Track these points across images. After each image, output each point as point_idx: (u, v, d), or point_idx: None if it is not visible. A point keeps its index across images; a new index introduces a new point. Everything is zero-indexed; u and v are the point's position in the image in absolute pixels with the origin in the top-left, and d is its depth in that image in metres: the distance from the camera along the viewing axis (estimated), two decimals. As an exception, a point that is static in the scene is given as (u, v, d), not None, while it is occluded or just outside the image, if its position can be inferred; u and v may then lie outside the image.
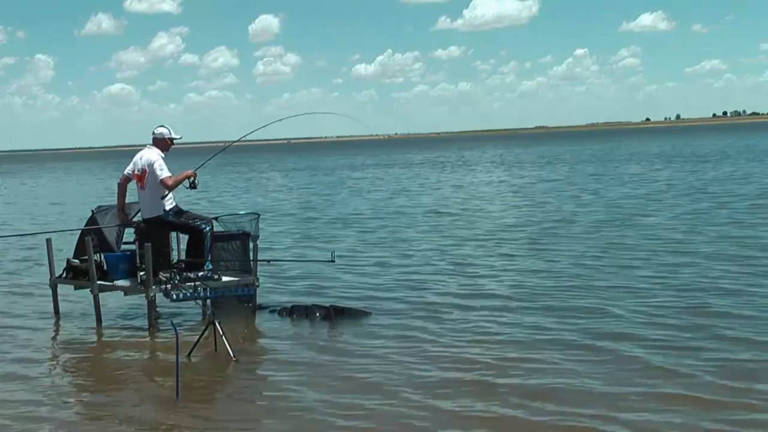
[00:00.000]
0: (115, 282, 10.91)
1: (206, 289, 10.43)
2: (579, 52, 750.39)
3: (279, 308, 11.36)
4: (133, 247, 11.24)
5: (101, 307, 11.02)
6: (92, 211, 11.80)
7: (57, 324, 11.31)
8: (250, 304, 11.23)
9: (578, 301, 11.08)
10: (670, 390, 7.39)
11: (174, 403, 7.69)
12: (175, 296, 10.01)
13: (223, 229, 11.32)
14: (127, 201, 11.25)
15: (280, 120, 13.30)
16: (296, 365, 8.80)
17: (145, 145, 11.04)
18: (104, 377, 8.99)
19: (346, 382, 8.05)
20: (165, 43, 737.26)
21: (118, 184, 11.20)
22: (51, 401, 8.00)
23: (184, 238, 11.31)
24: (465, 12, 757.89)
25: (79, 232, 11.65)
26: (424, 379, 7.97)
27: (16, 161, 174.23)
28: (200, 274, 10.55)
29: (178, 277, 10.45)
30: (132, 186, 11.16)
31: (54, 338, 10.84)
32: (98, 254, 11.02)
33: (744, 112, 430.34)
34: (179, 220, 10.85)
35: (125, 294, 11.16)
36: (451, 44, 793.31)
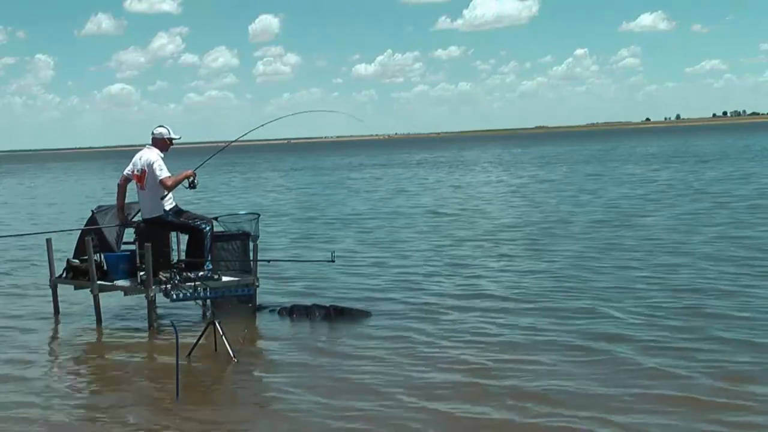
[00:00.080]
0: (115, 282, 10.93)
1: (206, 289, 10.46)
2: (579, 52, 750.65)
3: (279, 308, 11.38)
4: (133, 247, 11.26)
5: (101, 307, 11.05)
6: (92, 211, 11.82)
7: (57, 324, 11.33)
8: (250, 304, 11.25)
9: (575, 302, 11.09)
10: (666, 392, 7.39)
11: (174, 403, 7.71)
12: (175, 296, 10.03)
13: (223, 229, 11.34)
14: (126, 201, 11.28)
15: (279, 118, 13.34)
16: (296, 366, 8.83)
17: (144, 145, 11.06)
18: (104, 377, 9.01)
19: (346, 384, 8.06)
20: (165, 43, 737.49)
21: (118, 184, 11.23)
22: (50, 401, 8.01)
23: (184, 238, 11.33)
24: (465, 12, 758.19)
25: (79, 232, 11.68)
26: (422, 381, 7.96)
27: (16, 161, 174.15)
28: (200, 274, 10.57)
29: (178, 277, 10.47)
30: (132, 186, 11.18)
31: (54, 338, 10.86)
32: (98, 254, 11.05)
33: (744, 112, 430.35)
34: (179, 220, 10.87)
35: (125, 294, 11.18)
36: (451, 44, 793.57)
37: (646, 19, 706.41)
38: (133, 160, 11.02)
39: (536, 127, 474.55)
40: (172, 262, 11.15)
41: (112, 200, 11.50)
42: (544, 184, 34.76)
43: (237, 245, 11.27)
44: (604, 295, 11.40)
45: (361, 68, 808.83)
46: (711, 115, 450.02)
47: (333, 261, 10.72)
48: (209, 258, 10.80)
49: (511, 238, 17.79)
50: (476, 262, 14.91)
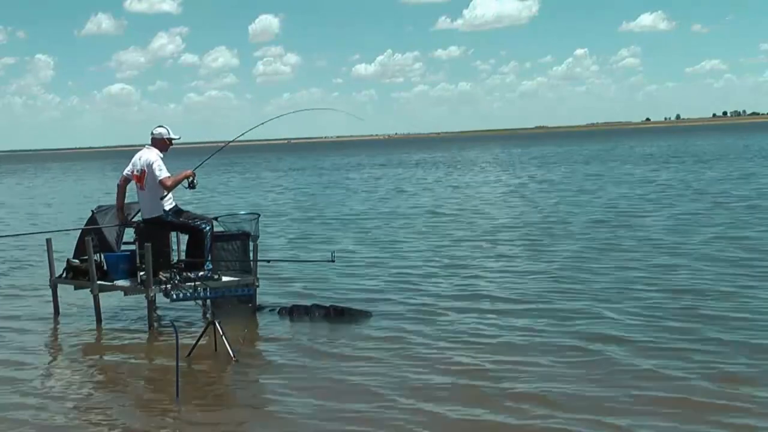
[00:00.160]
0: (115, 282, 10.94)
1: (206, 289, 10.46)
2: (579, 52, 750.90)
3: (279, 308, 11.39)
4: (133, 247, 11.26)
5: (101, 307, 11.05)
6: (92, 211, 11.83)
7: (57, 324, 11.34)
8: (250, 304, 11.26)
9: (573, 303, 11.07)
10: (663, 393, 7.37)
11: (174, 402, 7.72)
12: (175, 296, 10.03)
13: (223, 230, 11.34)
14: (126, 201, 11.28)
15: (277, 117, 13.31)
16: (296, 366, 8.83)
17: (144, 145, 11.06)
18: (104, 377, 9.02)
19: (344, 385, 8.05)
20: (165, 43, 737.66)
21: (118, 185, 11.23)
22: (50, 401, 8.02)
23: (184, 238, 11.33)
24: (465, 12, 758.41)
25: (79, 232, 11.68)
26: (419, 383, 7.94)
27: (16, 161, 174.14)
28: (200, 274, 10.57)
29: (178, 277, 10.47)
30: (131, 186, 11.19)
31: (54, 338, 10.87)
32: (98, 254, 11.05)
33: (744, 112, 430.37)
34: (179, 220, 10.88)
35: (125, 294, 11.19)
36: (451, 44, 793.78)
37: (646, 19, 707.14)
38: (133, 160, 11.03)
39: (536, 127, 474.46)
40: (172, 262, 11.15)
41: (110, 200, 11.51)
42: (543, 184, 34.76)
43: (237, 245, 11.28)
44: (601, 296, 11.39)
45: (361, 68, 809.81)
46: (711, 115, 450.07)
47: (333, 261, 10.73)
48: (209, 258, 10.80)
49: (510, 239, 17.79)
50: (475, 262, 14.91)
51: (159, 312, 10.94)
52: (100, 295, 11.00)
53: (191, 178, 10.83)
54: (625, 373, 7.98)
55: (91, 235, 11.10)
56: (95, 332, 10.82)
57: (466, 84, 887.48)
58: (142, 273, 10.61)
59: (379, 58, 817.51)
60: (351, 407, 7.40)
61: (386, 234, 19.56)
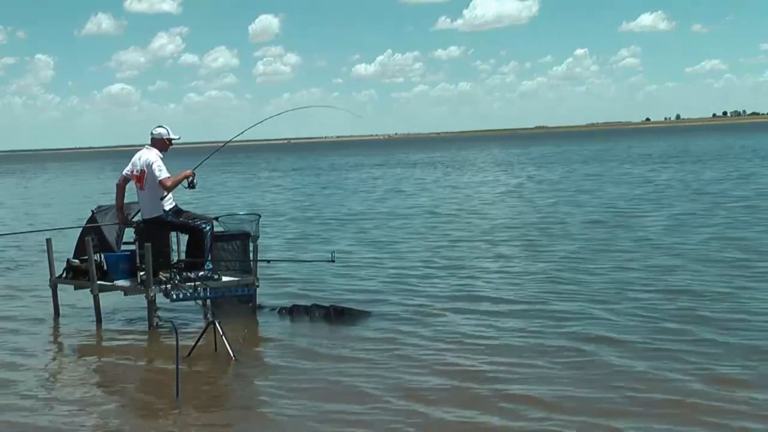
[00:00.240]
0: (115, 282, 10.94)
1: (206, 289, 10.47)
2: (579, 52, 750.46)
3: (279, 308, 11.40)
4: (133, 247, 11.26)
5: (101, 307, 11.05)
6: (92, 211, 11.83)
7: (57, 324, 11.34)
8: (250, 304, 11.26)
9: (570, 304, 11.03)
10: (659, 395, 7.35)
11: (174, 402, 7.72)
12: (175, 296, 10.03)
13: (223, 230, 11.34)
14: (126, 201, 11.28)
15: (277, 115, 13.38)
16: (296, 366, 8.83)
17: (144, 145, 11.06)
18: (104, 377, 9.02)
19: (342, 386, 8.03)
20: (165, 43, 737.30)
21: (117, 184, 11.23)
22: (49, 401, 8.03)
23: (184, 238, 11.33)
24: (465, 12, 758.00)
25: (79, 232, 11.68)
26: (417, 385, 7.90)
27: (16, 161, 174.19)
28: (200, 274, 10.57)
29: (178, 277, 10.48)
30: (131, 186, 11.18)
31: (54, 338, 10.87)
32: (98, 254, 11.05)
33: (744, 112, 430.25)
34: (179, 220, 10.87)
35: (125, 294, 11.19)
36: (451, 44, 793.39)
37: (646, 19, 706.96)
38: (133, 160, 11.02)
39: (536, 127, 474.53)
40: (172, 262, 11.15)
41: (107, 200, 11.49)
42: (542, 185, 34.78)
43: (237, 245, 11.28)
44: (598, 297, 11.36)
45: (361, 68, 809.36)
46: (711, 115, 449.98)
47: (333, 261, 10.73)
48: (209, 258, 10.80)
49: (508, 239, 17.80)
50: (473, 263, 14.90)
51: (159, 312, 10.94)
52: (100, 295, 11.00)
53: (191, 178, 10.83)
54: (621, 375, 7.94)
55: (91, 235, 11.11)
56: (95, 332, 10.82)
57: (466, 84, 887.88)
58: (142, 273, 10.61)
59: (379, 58, 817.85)
60: (348, 409, 7.38)
61: (385, 234, 19.56)
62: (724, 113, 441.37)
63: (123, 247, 11.36)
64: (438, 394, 7.65)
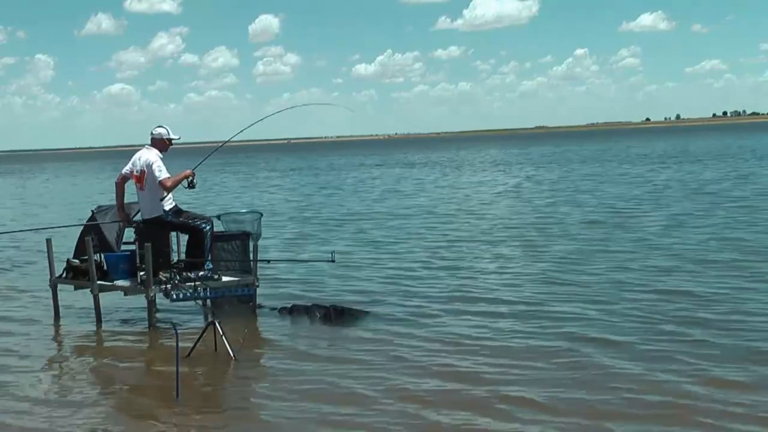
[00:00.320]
0: (115, 282, 10.94)
1: (206, 289, 10.47)
2: (579, 52, 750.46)
3: (279, 308, 11.40)
4: (133, 247, 11.26)
5: (101, 307, 11.05)
6: (92, 211, 11.83)
7: (57, 324, 11.34)
8: (251, 304, 11.26)
9: (566, 305, 10.99)
10: (654, 397, 7.33)
11: (174, 402, 7.72)
12: (175, 296, 10.03)
13: (224, 228, 11.32)
14: (126, 201, 11.28)
15: (276, 114, 13.28)
16: (295, 366, 8.83)
17: (144, 145, 11.05)
18: (104, 377, 9.02)
19: (341, 387, 8.01)
20: (165, 43, 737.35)
21: (116, 183, 11.23)
22: (50, 401, 8.03)
23: (184, 238, 11.32)
24: (465, 12, 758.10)
25: (79, 232, 11.67)
26: (415, 388, 7.85)
27: (16, 161, 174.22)
28: (200, 274, 10.57)
29: (178, 277, 10.47)
30: (131, 186, 11.17)
31: (54, 338, 10.87)
32: (98, 254, 11.05)
33: (744, 112, 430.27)
34: (179, 220, 10.87)
35: (125, 294, 11.19)
36: (451, 44, 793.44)
37: (646, 19, 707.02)
38: (132, 159, 11.00)
39: (536, 127, 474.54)
40: (172, 262, 11.14)
41: (106, 200, 11.47)
42: (541, 185, 34.78)
43: (237, 245, 11.28)
44: (596, 298, 11.34)
45: (361, 68, 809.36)
46: (711, 115, 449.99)
47: (333, 261, 10.71)
48: (209, 258, 10.79)
49: (507, 239, 17.80)
50: (471, 263, 14.88)
51: (159, 312, 10.94)
52: (100, 295, 11.00)
53: (191, 178, 10.83)
54: (618, 377, 7.91)
55: (91, 235, 11.10)
56: (95, 332, 10.83)
57: (466, 84, 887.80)
58: (142, 273, 10.61)
59: (379, 58, 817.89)
60: (347, 411, 7.35)
61: (384, 234, 19.56)
62: (724, 113, 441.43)
63: (123, 247, 11.36)
64: (435, 395, 7.64)
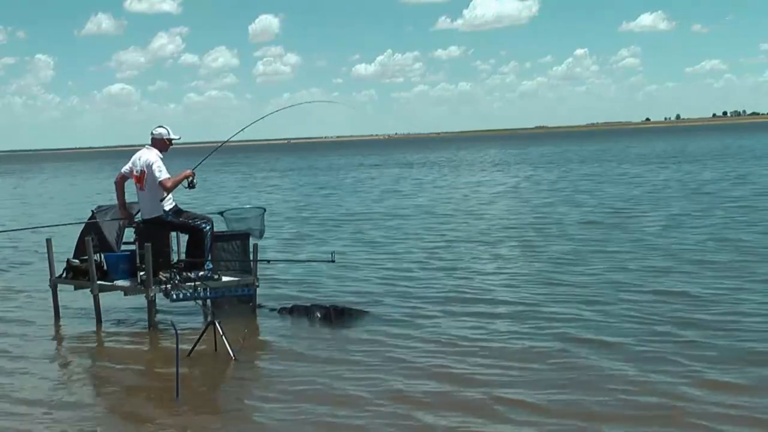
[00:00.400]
0: (115, 282, 10.95)
1: (206, 289, 10.47)
2: (579, 52, 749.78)
3: (279, 308, 11.41)
4: (133, 247, 11.27)
5: (101, 307, 11.06)
6: (92, 211, 11.84)
7: (57, 324, 11.35)
8: (251, 304, 11.26)
9: (564, 306, 10.96)
10: (649, 399, 7.33)
11: (174, 402, 7.74)
12: (175, 296, 10.04)
13: (227, 225, 11.26)
14: (127, 201, 11.28)
15: (274, 113, 13.27)
16: (295, 367, 8.85)
17: (144, 145, 11.05)
18: (104, 377, 9.03)
19: (342, 387, 8.03)
20: (165, 43, 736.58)
21: (115, 182, 11.24)
22: (50, 401, 8.05)
23: (184, 238, 11.33)
24: (465, 12, 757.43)
25: (79, 233, 11.68)
26: (412, 389, 7.87)
27: (16, 161, 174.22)
28: (200, 274, 10.58)
29: (178, 277, 10.48)
30: (132, 186, 11.17)
31: (54, 338, 10.89)
32: (98, 254, 11.06)
33: (744, 112, 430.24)
34: (179, 220, 10.87)
35: (125, 294, 11.20)
36: (451, 44, 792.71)
37: (646, 19, 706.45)
38: (133, 159, 11.00)
39: (536, 127, 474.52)
40: (172, 262, 11.15)
41: (105, 201, 11.46)
42: (540, 185, 34.81)
43: (237, 245, 11.29)
44: (594, 299, 11.33)
45: (361, 68, 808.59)
46: (711, 115, 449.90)
47: (333, 261, 10.72)
48: (209, 258, 10.80)
49: (506, 239, 17.83)
50: (469, 263, 14.90)
51: (159, 312, 10.94)
52: (100, 295, 11.01)
53: (191, 178, 10.84)
54: (613, 379, 7.89)
55: (91, 235, 11.11)
56: (95, 332, 10.84)
57: (466, 84, 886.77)
58: (142, 273, 10.62)
59: (379, 58, 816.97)
60: (345, 413, 7.34)
61: (382, 235, 19.58)
62: (724, 113, 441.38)
63: (123, 247, 11.37)
64: (432, 397, 7.63)
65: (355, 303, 11.56)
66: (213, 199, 32.85)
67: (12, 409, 7.75)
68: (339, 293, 12.48)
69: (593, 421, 6.90)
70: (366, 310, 11.17)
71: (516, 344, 9.30)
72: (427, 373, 8.35)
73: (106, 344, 10.38)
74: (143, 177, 10.76)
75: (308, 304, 11.35)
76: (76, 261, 11.33)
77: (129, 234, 11.53)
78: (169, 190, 10.68)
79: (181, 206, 11.09)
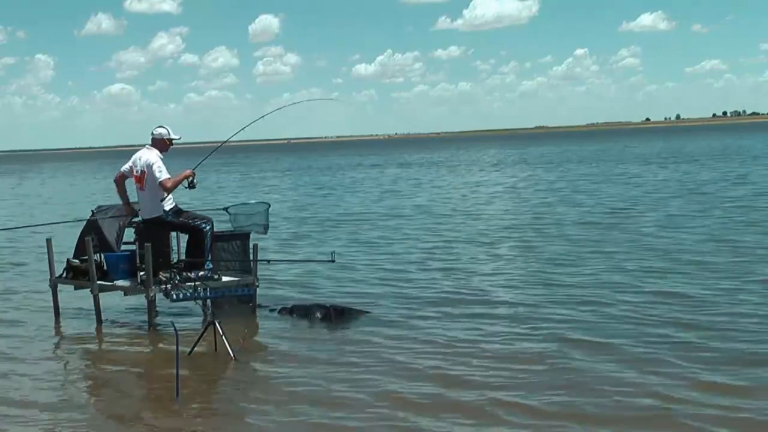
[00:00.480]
0: (115, 282, 10.96)
1: (206, 289, 10.48)
2: (579, 52, 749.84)
3: (279, 308, 11.41)
4: (133, 247, 11.28)
5: (101, 307, 11.07)
6: (92, 211, 11.84)
7: (57, 324, 11.37)
8: (251, 304, 11.27)
9: (562, 308, 10.92)
10: (644, 401, 7.32)
11: (174, 402, 7.75)
12: (175, 296, 10.05)
13: (231, 222, 11.21)
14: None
15: (272, 112, 13.25)
16: (296, 365, 8.87)
17: (144, 145, 11.06)
18: (104, 377, 9.05)
19: (340, 388, 8.02)
20: (165, 43, 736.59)
21: (115, 181, 11.25)
22: (50, 401, 8.07)
23: (184, 238, 11.34)
24: (465, 12, 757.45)
25: (79, 233, 11.68)
26: (410, 390, 7.87)
27: (16, 161, 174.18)
28: (200, 273, 10.59)
29: (178, 277, 10.49)
30: (132, 186, 11.18)
31: (54, 338, 10.90)
32: (98, 254, 11.07)
33: (744, 112, 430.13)
34: (179, 220, 10.89)
35: (125, 294, 11.22)
36: (451, 44, 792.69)
37: (646, 19, 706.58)
38: (133, 159, 11.01)
39: (536, 127, 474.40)
40: (172, 262, 11.16)
41: (103, 200, 11.45)
42: (538, 185, 34.82)
43: (237, 245, 11.30)
44: (592, 300, 11.31)
45: (361, 68, 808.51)
46: (711, 115, 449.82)
47: (333, 261, 10.72)
48: (209, 258, 10.81)
49: (504, 239, 17.84)
50: (467, 264, 14.87)
51: (159, 312, 10.95)
52: (100, 295, 11.02)
53: (191, 178, 10.85)
54: (609, 381, 7.88)
55: (91, 235, 11.12)
56: (95, 332, 10.86)
57: (466, 84, 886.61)
58: (142, 273, 10.63)
59: (379, 58, 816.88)
60: (344, 414, 7.33)
61: (380, 235, 19.59)
62: (724, 113, 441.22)
63: (123, 247, 11.37)
64: (429, 399, 7.61)
65: (354, 303, 11.56)
66: (212, 200, 32.84)
67: (9, 412, 7.75)
68: (338, 294, 12.49)
69: (589, 423, 6.89)
70: (366, 310, 11.18)
71: (513, 346, 9.29)
72: (425, 375, 8.35)
73: (106, 344, 10.40)
74: (143, 177, 10.77)
75: (308, 304, 11.35)
76: (76, 261, 11.34)
77: (129, 234, 11.54)
78: (169, 191, 10.69)
79: (181, 206, 11.09)
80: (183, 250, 11.36)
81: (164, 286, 10.28)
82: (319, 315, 10.93)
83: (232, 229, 11.31)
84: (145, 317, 10.77)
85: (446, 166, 59.72)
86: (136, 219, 11.26)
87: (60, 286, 11.59)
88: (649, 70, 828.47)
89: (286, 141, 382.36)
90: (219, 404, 8.00)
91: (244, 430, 7.26)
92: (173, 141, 11.07)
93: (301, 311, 11.15)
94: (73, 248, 11.66)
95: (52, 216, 26.61)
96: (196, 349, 9.14)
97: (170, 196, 10.79)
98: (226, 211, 11.26)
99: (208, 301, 10.98)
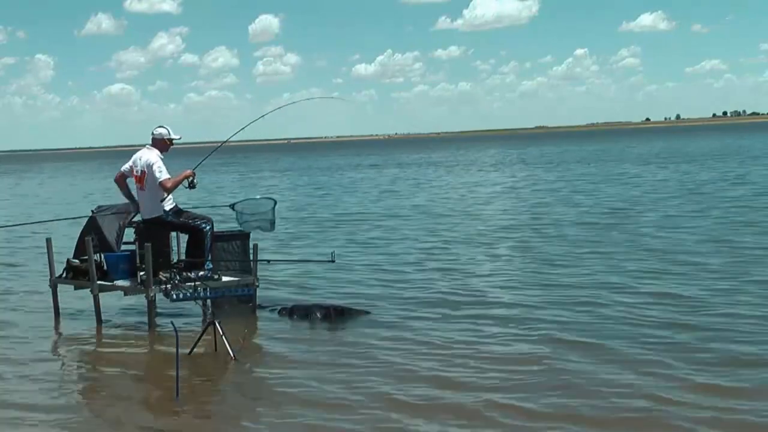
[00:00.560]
0: (115, 282, 10.99)
1: (206, 289, 10.51)
2: (579, 52, 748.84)
3: (279, 308, 11.44)
4: (133, 247, 11.31)
5: (101, 307, 11.09)
6: (92, 211, 11.86)
7: (57, 324, 11.39)
8: (250, 304, 11.30)
9: (560, 309, 10.92)
10: (640, 403, 7.33)
11: (174, 402, 7.78)
12: (175, 296, 10.08)
13: (237, 218, 11.20)
14: (127, 201, 11.32)
15: (271, 112, 13.29)
16: (296, 366, 8.90)
17: (145, 145, 11.09)
18: (104, 377, 9.08)
19: (340, 389, 8.04)
20: (165, 43, 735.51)
21: (116, 181, 11.27)
22: (50, 401, 8.10)
23: (184, 238, 11.37)
24: (465, 12, 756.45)
25: (80, 233, 11.70)
26: (408, 392, 7.86)
27: (16, 161, 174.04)
28: (200, 274, 10.61)
29: (178, 277, 10.52)
30: (132, 186, 11.21)
31: (54, 338, 10.93)
32: (98, 254, 11.09)
33: (744, 112, 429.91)
34: (179, 220, 10.91)
35: (125, 294, 11.24)
36: (451, 44, 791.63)
37: (646, 19, 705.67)
38: (133, 158, 11.04)
39: (536, 127, 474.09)
40: (172, 262, 11.19)
41: (101, 200, 11.47)
42: (538, 185, 34.82)
43: (237, 245, 11.33)
44: (590, 300, 11.32)
45: (361, 68, 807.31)
46: (711, 115, 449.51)
47: (333, 261, 10.74)
48: (209, 258, 10.83)
49: (503, 240, 17.87)
50: (466, 265, 14.90)
51: (159, 312, 10.98)
52: (100, 295, 11.05)
53: (191, 178, 10.87)
54: (604, 383, 7.89)
55: (91, 234, 11.14)
56: (95, 332, 10.88)
57: (466, 84, 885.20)
58: (142, 273, 10.66)
59: (379, 58, 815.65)
60: (336, 416, 7.34)
61: (379, 235, 19.62)
62: (724, 113, 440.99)
63: (123, 247, 11.40)
64: (425, 401, 7.61)
65: (353, 304, 11.58)
66: (211, 200, 32.81)
67: (9, 414, 7.75)
68: (336, 294, 12.51)
69: (585, 425, 6.90)
70: (366, 310, 11.21)
71: (510, 347, 9.29)
72: (423, 376, 8.35)
73: (106, 344, 10.42)
74: (144, 177, 10.80)
75: (308, 304, 11.38)
76: (76, 261, 11.36)
77: (129, 234, 11.57)
78: (169, 191, 10.72)
79: (182, 206, 11.13)
80: (183, 250, 11.39)
81: (164, 286, 10.30)
82: (319, 315, 10.95)
83: (239, 226, 11.30)
84: (145, 317, 10.80)
85: (445, 166, 59.72)
86: (136, 219, 11.29)
87: (60, 286, 11.62)
88: (649, 70, 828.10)
89: (286, 141, 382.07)
90: (219, 404, 8.03)
91: (244, 430, 7.28)
92: (173, 141, 11.09)
93: (301, 311, 11.17)
94: (73, 248, 11.69)
95: (50, 216, 26.66)
96: (196, 349, 9.17)
97: (170, 196, 10.82)
98: (232, 207, 11.25)
99: (208, 301, 11.01)
